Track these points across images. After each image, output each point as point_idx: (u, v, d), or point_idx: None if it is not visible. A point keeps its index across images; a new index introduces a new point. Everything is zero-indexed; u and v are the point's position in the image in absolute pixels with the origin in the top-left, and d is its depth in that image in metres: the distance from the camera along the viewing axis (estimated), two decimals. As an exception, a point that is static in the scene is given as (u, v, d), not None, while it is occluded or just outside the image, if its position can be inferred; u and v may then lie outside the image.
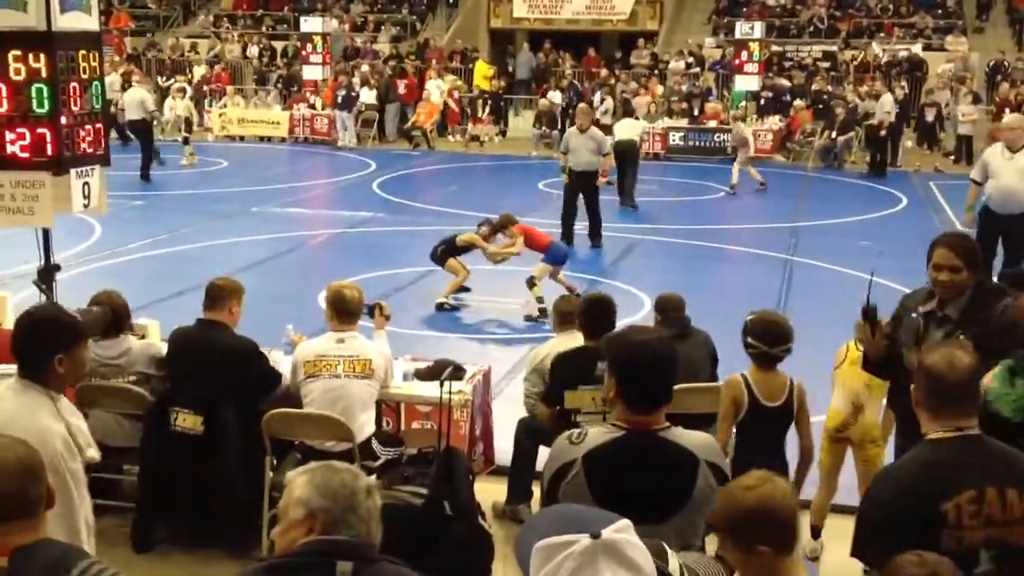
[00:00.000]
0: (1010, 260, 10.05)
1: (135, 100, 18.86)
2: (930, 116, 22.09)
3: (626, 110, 19.44)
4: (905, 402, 4.44)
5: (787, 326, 5.22)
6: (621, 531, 2.09)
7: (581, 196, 13.54)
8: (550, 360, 6.06)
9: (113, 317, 5.77)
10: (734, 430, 5.14)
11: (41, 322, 3.77)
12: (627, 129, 17.49)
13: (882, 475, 3.38)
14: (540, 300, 10.40)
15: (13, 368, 3.75)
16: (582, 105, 15.51)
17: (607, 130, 18.15)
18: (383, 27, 30.07)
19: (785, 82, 24.08)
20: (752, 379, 5.14)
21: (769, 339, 5.10)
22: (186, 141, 20.54)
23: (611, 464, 3.21)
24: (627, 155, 17.04)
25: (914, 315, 4.60)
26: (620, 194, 17.28)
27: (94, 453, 3.80)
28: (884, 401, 5.59)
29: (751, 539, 2.77)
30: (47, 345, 3.63)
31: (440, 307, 10.71)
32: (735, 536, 2.81)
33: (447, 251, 10.85)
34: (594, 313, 5.60)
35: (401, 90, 24.66)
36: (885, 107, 20.23)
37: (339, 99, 23.61)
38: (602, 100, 22.78)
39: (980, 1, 28.00)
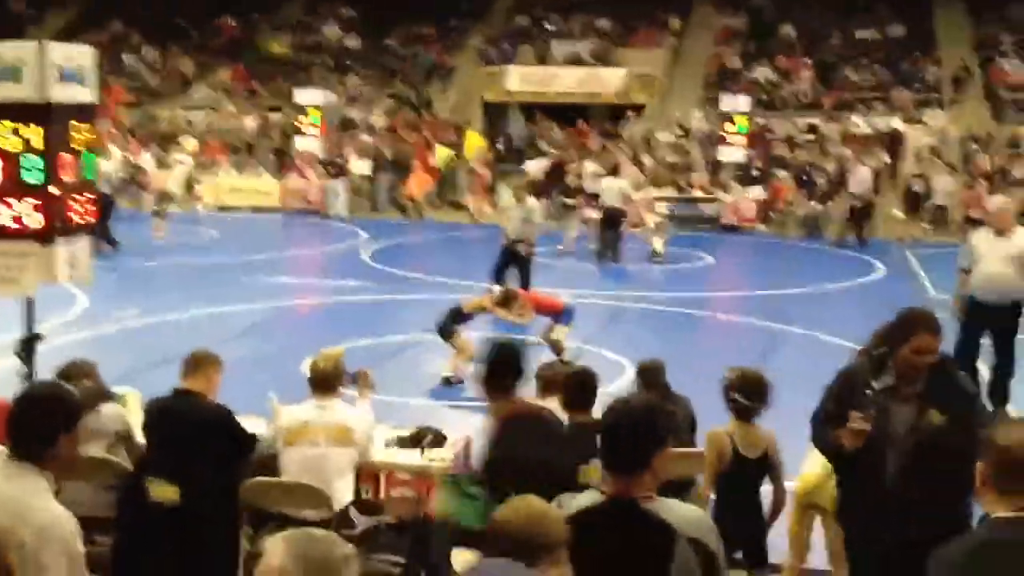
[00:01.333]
0: (1002, 362, 9.38)
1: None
2: (916, 186, 22.41)
3: (611, 170, 19.67)
4: (862, 470, 4.54)
5: (767, 381, 5.48)
6: None
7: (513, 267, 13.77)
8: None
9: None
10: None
11: (45, 400, 3.60)
12: (612, 194, 18.17)
13: (938, 557, 3.13)
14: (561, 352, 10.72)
15: None
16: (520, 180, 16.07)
17: (594, 197, 18.59)
18: (378, 100, 30.45)
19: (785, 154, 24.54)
20: (734, 432, 5.37)
21: (751, 394, 5.33)
22: (157, 214, 20.33)
23: (589, 531, 3.16)
24: (612, 220, 18.06)
25: (868, 392, 4.54)
26: (600, 256, 18.03)
27: None
28: None
29: None
30: (53, 424, 3.47)
31: (447, 382, 10.70)
32: None
33: (455, 320, 10.83)
34: (580, 387, 5.64)
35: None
36: (863, 179, 20.57)
37: (329, 169, 23.87)
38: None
39: (956, 76, 28.51)
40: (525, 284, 13.43)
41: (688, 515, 3.30)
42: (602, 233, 18.45)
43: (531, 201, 14.32)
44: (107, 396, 6.09)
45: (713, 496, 5.52)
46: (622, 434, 3.31)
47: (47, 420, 3.48)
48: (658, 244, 18.37)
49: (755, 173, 23.60)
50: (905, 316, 4.62)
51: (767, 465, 5.39)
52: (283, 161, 26.28)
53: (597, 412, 6.48)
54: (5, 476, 3.41)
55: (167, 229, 20.04)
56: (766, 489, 5.56)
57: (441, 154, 25.14)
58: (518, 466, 4.53)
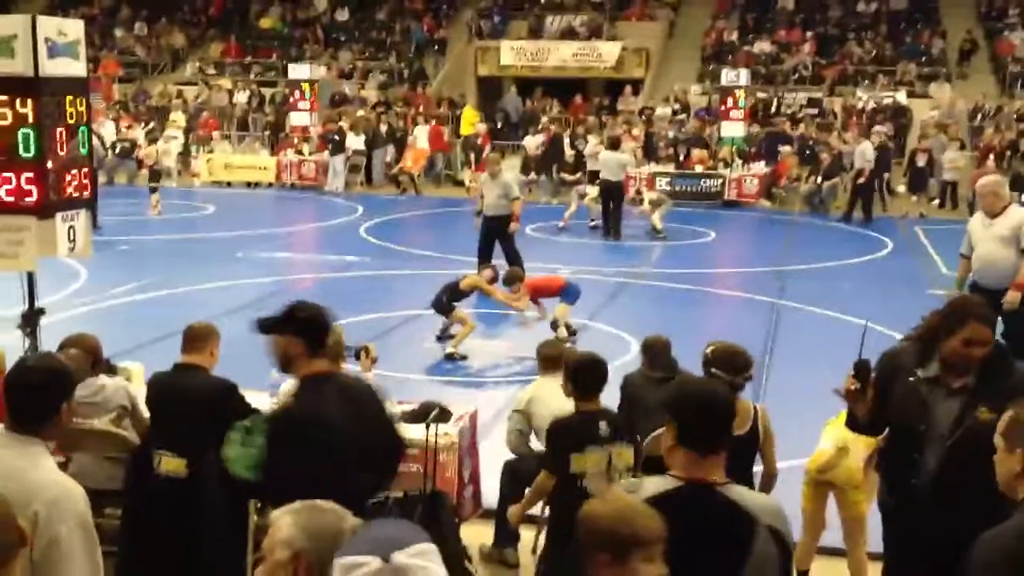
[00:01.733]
0: (1017, 349, 9.07)
1: None
2: (921, 161, 22.30)
3: (611, 143, 19.62)
4: (900, 461, 4.42)
5: (748, 355, 5.25)
6: (416, 556, 2.11)
7: (497, 242, 13.70)
8: (535, 404, 6.06)
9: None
10: None
11: (46, 371, 3.61)
12: (611, 168, 17.97)
13: (984, 541, 3.04)
14: (572, 333, 10.73)
15: None
16: (491, 154, 15.82)
17: (595, 174, 18.48)
18: (371, 74, 30.29)
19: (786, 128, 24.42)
20: None
21: (732, 368, 5.11)
22: (153, 190, 20.05)
23: (665, 516, 2.98)
24: (611, 193, 17.88)
25: (911, 379, 4.35)
26: (605, 232, 17.64)
27: None
28: (867, 453, 5.57)
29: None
30: (56, 395, 3.49)
31: (450, 357, 10.63)
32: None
33: (452, 297, 10.83)
34: (586, 375, 5.44)
35: (422, 138, 24.64)
36: (866, 155, 20.42)
37: (328, 145, 23.76)
38: (585, 143, 22.94)
39: (962, 49, 28.35)
40: (511, 260, 13.35)
41: (765, 503, 3.22)
42: (604, 208, 18.34)
43: (507, 176, 14.18)
44: (111, 369, 6.03)
45: None
46: (702, 416, 3.23)
47: (49, 392, 3.48)
48: (657, 220, 18.28)
49: (757, 148, 23.50)
50: (956, 304, 4.36)
51: (754, 441, 5.18)
52: (277, 136, 26.13)
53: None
54: (6, 449, 3.37)
55: (162, 204, 19.90)
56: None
57: (467, 117, 25.02)
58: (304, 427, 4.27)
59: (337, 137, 23.77)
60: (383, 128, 25.24)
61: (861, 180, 20.36)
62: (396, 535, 2.21)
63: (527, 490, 5.58)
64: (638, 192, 20.42)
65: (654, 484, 3.17)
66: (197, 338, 5.68)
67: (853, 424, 4.73)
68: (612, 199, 18.09)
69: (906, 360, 4.42)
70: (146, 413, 5.81)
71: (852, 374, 4.50)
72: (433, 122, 25.45)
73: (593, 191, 19.16)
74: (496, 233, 13.68)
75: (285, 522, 2.51)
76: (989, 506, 3.65)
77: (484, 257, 13.64)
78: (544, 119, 25.77)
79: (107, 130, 24.67)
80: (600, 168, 18.60)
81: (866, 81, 27.59)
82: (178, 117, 26.11)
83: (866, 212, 20.42)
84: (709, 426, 3.22)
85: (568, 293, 11.14)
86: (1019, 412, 3.18)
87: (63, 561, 3.17)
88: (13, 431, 3.42)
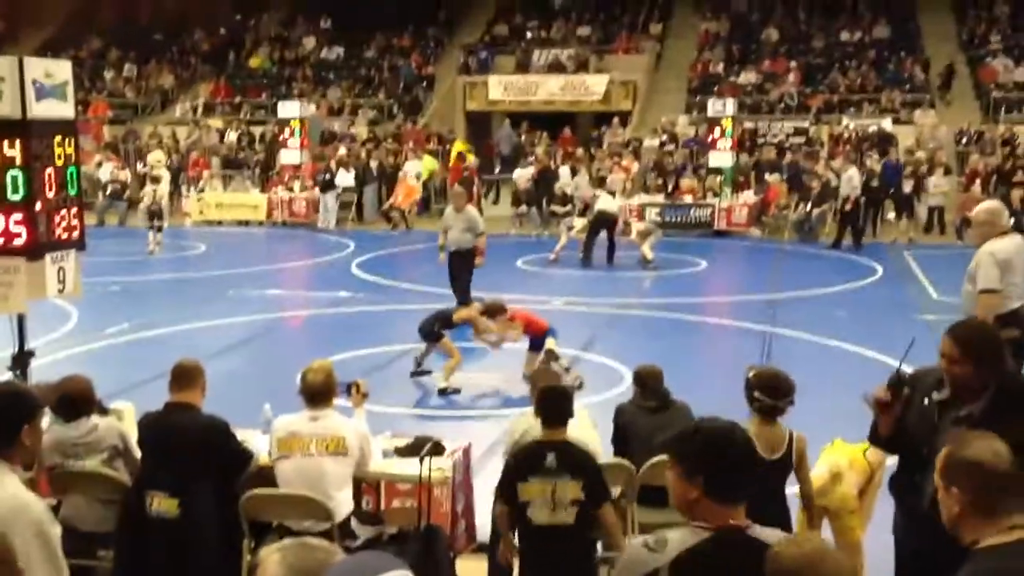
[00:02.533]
0: None
1: None
2: (907, 187, 22.45)
3: (603, 186, 19.93)
4: (905, 483, 4.41)
5: (790, 380, 5.41)
6: None
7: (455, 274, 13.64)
8: (529, 437, 6.04)
9: (76, 399, 5.75)
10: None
11: (5, 394, 3.81)
12: (608, 202, 18.74)
13: None
14: (567, 369, 10.49)
15: None
16: (457, 188, 15.75)
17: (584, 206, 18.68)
18: (360, 111, 30.43)
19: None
20: (754, 432, 5.22)
21: (775, 392, 5.26)
22: (158, 228, 20.18)
23: (704, 569, 2.95)
24: (607, 224, 18.35)
25: (926, 402, 4.33)
26: (584, 260, 18.33)
27: None
28: (860, 481, 5.61)
29: None
30: (13, 417, 3.65)
31: (443, 392, 10.58)
32: None
33: (443, 326, 10.79)
34: (548, 404, 5.45)
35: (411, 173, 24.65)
36: (852, 182, 20.56)
37: (319, 182, 23.83)
38: (573, 175, 23.07)
39: (945, 77, 28.61)
40: (462, 288, 13.39)
41: (783, 537, 3.11)
42: (589, 238, 18.52)
43: (470, 210, 14.06)
44: (103, 410, 6.01)
45: None
46: (732, 466, 3.08)
47: (10, 413, 3.65)
48: (647, 250, 18.34)
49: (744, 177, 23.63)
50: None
51: (786, 467, 5.30)
52: (267, 174, 26.19)
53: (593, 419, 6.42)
54: None
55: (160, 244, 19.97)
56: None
57: (426, 164, 25.08)
58: None
59: (327, 175, 23.84)
60: (373, 164, 25.31)
61: (848, 207, 20.47)
62: (372, 563, 2.21)
63: None
64: (626, 223, 20.53)
65: (680, 538, 3.00)
66: (186, 376, 5.68)
67: (874, 437, 4.64)
68: (606, 229, 18.51)
69: (928, 382, 4.37)
70: (137, 453, 5.79)
71: (888, 384, 4.41)
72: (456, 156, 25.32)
73: (580, 223, 19.36)
74: (459, 267, 13.59)
75: (273, 560, 2.47)
76: None
77: (454, 288, 13.59)
78: (539, 150, 25.85)
79: (103, 172, 24.78)
80: (592, 200, 19.07)
81: (851, 109, 27.78)
82: (160, 156, 26.03)
83: (856, 239, 20.51)
84: (739, 476, 3.10)
85: (551, 334, 10.96)
86: (953, 449, 3.02)
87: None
88: None
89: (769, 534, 3.05)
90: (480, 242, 13.63)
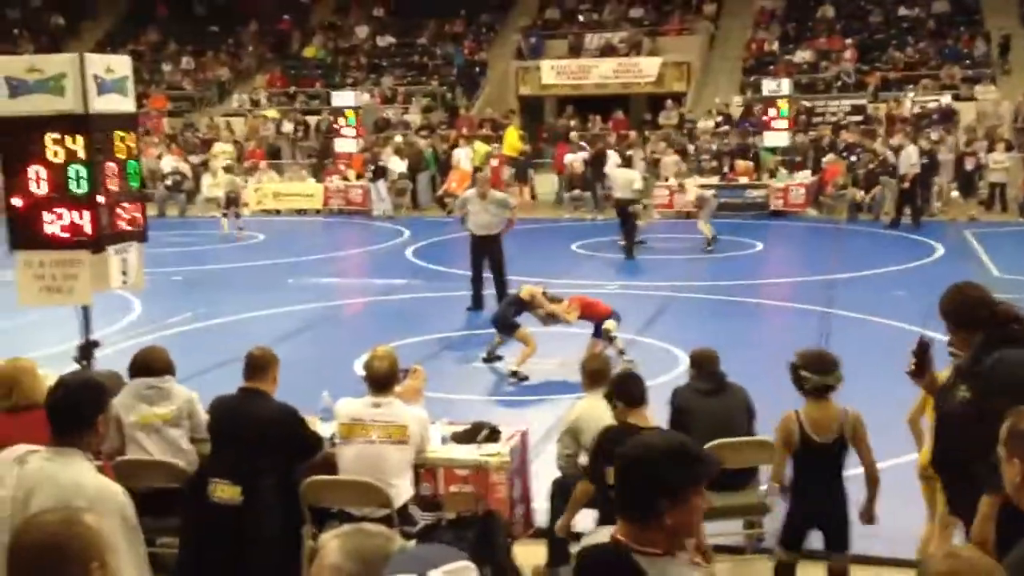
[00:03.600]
0: None
1: None
2: (969, 165, 22.01)
3: (624, 161, 19.46)
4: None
5: (834, 356, 5.49)
6: (452, 572, 2.15)
7: (486, 260, 13.52)
8: (583, 421, 6.05)
9: (152, 363, 6.06)
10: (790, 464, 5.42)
11: (81, 386, 3.97)
12: (621, 186, 17.73)
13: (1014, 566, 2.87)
14: (622, 352, 10.59)
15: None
16: (480, 173, 15.65)
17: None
18: (413, 99, 30.54)
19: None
20: (804, 414, 5.35)
21: (821, 368, 5.32)
22: (236, 215, 21.10)
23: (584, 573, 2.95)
24: (622, 212, 17.58)
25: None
26: (625, 251, 17.59)
27: None
28: None
29: None
30: (92, 407, 3.82)
31: (513, 375, 10.61)
32: None
33: (517, 311, 10.82)
34: (627, 387, 5.67)
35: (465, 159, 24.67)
36: (911, 159, 20.20)
37: (369, 172, 23.97)
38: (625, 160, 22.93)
39: (1005, 50, 27.97)
40: (499, 275, 13.36)
41: None
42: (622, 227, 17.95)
43: (495, 194, 13.98)
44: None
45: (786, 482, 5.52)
46: (628, 472, 2.91)
47: (89, 403, 3.84)
48: (704, 226, 18.14)
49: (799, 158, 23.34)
50: None
51: (842, 446, 5.31)
52: (323, 163, 26.41)
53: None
54: (54, 462, 3.70)
55: (233, 228, 20.67)
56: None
57: (479, 150, 25.13)
58: None
59: (378, 163, 23.96)
60: (427, 151, 25.40)
61: (906, 185, 20.14)
62: (434, 554, 2.26)
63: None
64: (680, 186, 20.27)
65: (599, 536, 3.00)
66: (259, 365, 5.81)
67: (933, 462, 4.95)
68: (623, 218, 17.68)
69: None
70: (204, 419, 5.96)
71: (912, 352, 4.73)
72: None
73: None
74: (487, 251, 13.52)
75: (332, 547, 2.49)
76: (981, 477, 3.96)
77: (479, 279, 13.54)
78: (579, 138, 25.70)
79: (164, 164, 25.25)
80: (611, 186, 18.39)
81: (910, 86, 27.28)
82: (224, 148, 26.48)
83: (915, 217, 20.19)
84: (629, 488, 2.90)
85: (614, 317, 11.00)
86: (1017, 420, 3.07)
87: (107, 552, 3.29)
88: (55, 445, 3.75)
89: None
90: (513, 215, 13.71)
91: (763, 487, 6.23)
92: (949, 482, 4.71)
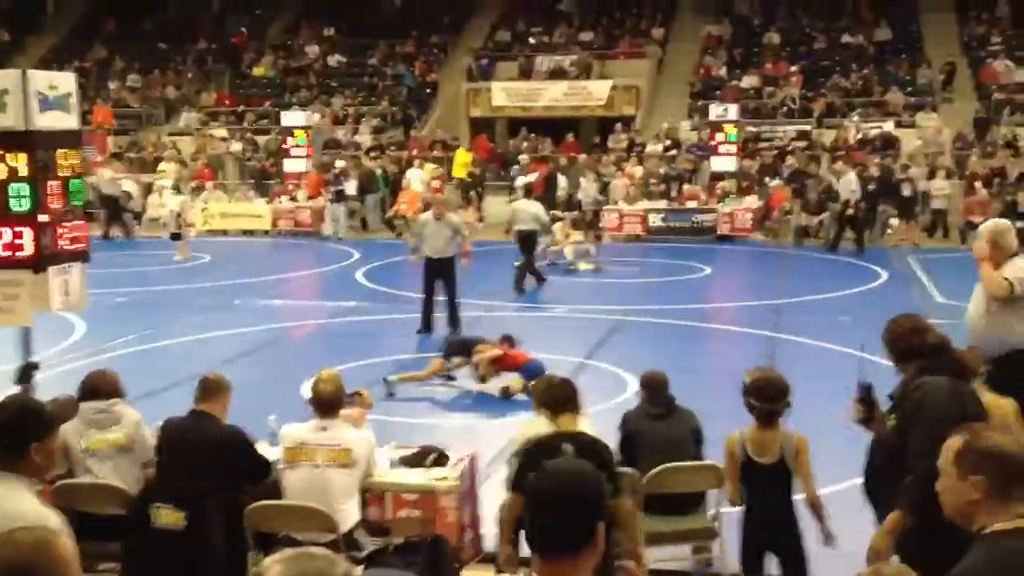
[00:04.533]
0: None
1: None
2: (906, 191, 22.42)
3: (525, 192, 19.18)
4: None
5: (785, 382, 5.49)
6: None
7: (441, 281, 13.40)
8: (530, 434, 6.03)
9: (100, 387, 5.95)
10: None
11: (18, 410, 3.85)
12: (524, 218, 16.74)
13: None
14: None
15: None
16: (438, 195, 15.57)
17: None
18: (364, 119, 30.47)
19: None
20: (747, 437, 5.40)
21: (769, 395, 5.33)
22: (176, 236, 20.60)
23: None
24: (524, 244, 16.75)
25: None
26: (515, 284, 16.64)
27: None
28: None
29: None
30: (21, 433, 3.69)
31: (386, 382, 10.66)
32: None
33: (458, 352, 11.15)
34: (556, 392, 5.65)
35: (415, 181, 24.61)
36: (851, 186, 20.58)
37: (331, 193, 23.80)
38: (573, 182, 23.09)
39: (947, 79, 28.57)
40: (451, 297, 13.34)
41: None
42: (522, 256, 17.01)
43: (451, 216, 13.88)
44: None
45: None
46: (551, 506, 2.66)
47: (19, 430, 3.70)
48: (582, 265, 18.49)
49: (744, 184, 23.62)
50: None
51: (785, 469, 5.34)
52: (271, 184, 26.23)
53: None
54: None
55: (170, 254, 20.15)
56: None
57: (427, 170, 25.12)
58: None
59: (339, 187, 23.82)
60: (378, 172, 25.33)
61: (850, 211, 20.47)
62: None
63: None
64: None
65: None
66: (211, 389, 5.83)
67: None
68: (524, 250, 16.75)
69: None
70: (151, 443, 5.89)
71: (855, 401, 4.91)
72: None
73: (558, 230, 19.17)
74: (440, 274, 13.37)
75: (275, 571, 2.47)
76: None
77: (431, 303, 13.42)
78: (523, 158, 25.81)
79: (108, 183, 24.86)
80: (512, 218, 17.20)
81: (854, 113, 27.75)
82: (168, 168, 26.13)
83: (858, 242, 20.50)
84: (547, 524, 2.65)
85: (529, 370, 10.58)
86: (972, 439, 3.12)
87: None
88: None
89: None
90: (465, 245, 13.55)
91: (711, 512, 6.25)
92: (876, 506, 4.88)
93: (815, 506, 5.42)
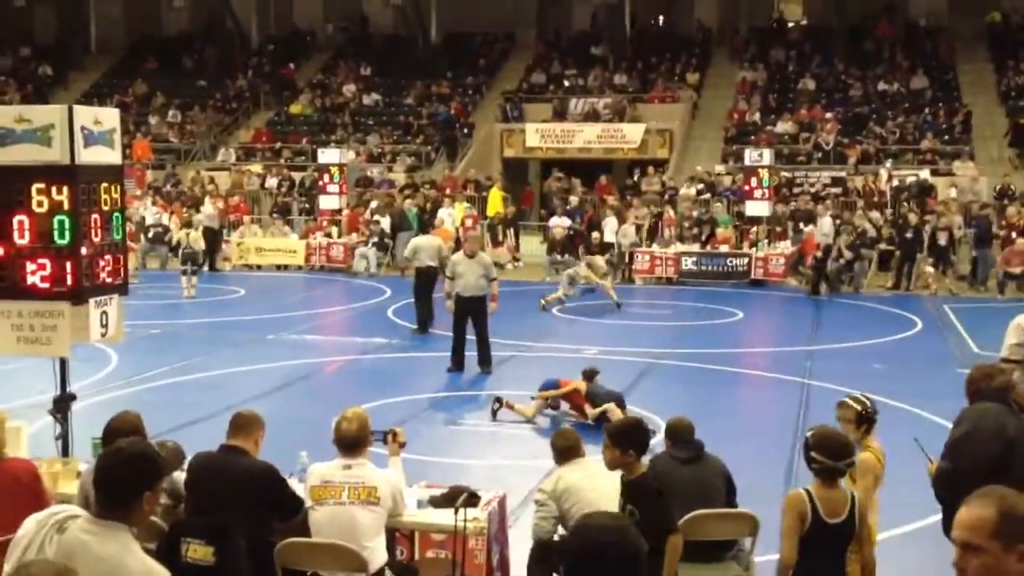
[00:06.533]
0: None
1: None
2: (943, 240, 22.26)
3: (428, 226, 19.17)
4: None
5: (849, 440, 5.39)
6: None
7: (470, 321, 13.36)
8: (569, 495, 5.97)
9: (124, 432, 5.80)
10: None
11: (134, 458, 3.67)
12: (432, 255, 15.95)
13: None
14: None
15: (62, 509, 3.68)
16: (472, 232, 15.48)
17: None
18: (399, 157, 30.71)
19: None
20: (816, 495, 5.17)
21: (833, 453, 5.18)
22: (193, 272, 20.45)
23: None
24: (423, 280, 16.03)
25: None
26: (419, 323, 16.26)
27: None
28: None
29: None
30: (141, 482, 3.58)
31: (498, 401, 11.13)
32: None
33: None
34: (631, 435, 5.74)
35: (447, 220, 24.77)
36: (823, 230, 20.53)
37: (374, 236, 24.02)
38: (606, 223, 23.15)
39: (984, 128, 28.44)
40: (483, 340, 13.38)
41: None
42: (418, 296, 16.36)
43: (484, 256, 13.91)
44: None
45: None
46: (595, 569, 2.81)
47: (138, 477, 3.58)
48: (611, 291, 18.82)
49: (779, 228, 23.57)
50: None
51: (852, 530, 5.16)
52: (307, 220, 26.45)
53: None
54: (96, 535, 3.47)
55: (195, 288, 20.18)
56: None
57: (459, 209, 25.25)
58: None
59: (380, 234, 24.05)
60: (411, 211, 25.50)
61: (819, 255, 20.65)
62: None
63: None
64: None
65: None
66: (243, 424, 5.81)
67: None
68: (423, 286, 16.13)
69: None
70: (180, 484, 5.85)
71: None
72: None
73: (582, 269, 19.44)
74: (473, 313, 13.36)
75: None
76: None
77: (461, 342, 13.39)
78: (573, 199, 25.94)
79: (147, 215, 25.14)
80: (415, 253, 16.17)
81: (889, 160, 27.65)
82: (208, 205, 26.37)
83: (816, 289, 20.57)
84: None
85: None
86: (1007, 507, 2.77)
87: None
88: (100, 517, 3.53)
89: None
90: (494, 287, 13.54)
91: (744, 559, 6.17)
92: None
93: (868, 569, 5.30)
